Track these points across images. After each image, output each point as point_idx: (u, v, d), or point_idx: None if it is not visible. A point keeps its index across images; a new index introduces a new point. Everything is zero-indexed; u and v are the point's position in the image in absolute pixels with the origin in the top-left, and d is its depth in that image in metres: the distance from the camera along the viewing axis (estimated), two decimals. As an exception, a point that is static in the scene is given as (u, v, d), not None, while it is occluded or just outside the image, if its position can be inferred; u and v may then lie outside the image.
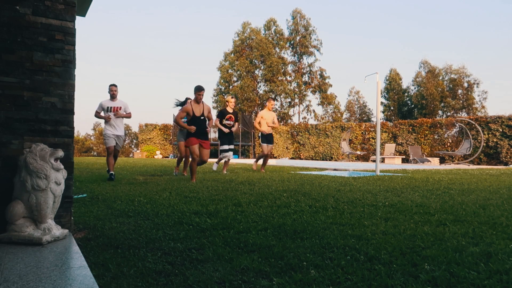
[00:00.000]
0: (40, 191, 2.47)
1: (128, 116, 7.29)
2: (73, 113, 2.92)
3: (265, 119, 9.08)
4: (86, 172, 8.66)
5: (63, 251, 2.28)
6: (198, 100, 6.55)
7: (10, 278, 1.79)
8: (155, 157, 24.08)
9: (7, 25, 2.70)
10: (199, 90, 6.54)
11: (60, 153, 2.57)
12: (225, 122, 8.38)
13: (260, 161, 9.90)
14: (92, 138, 49.89)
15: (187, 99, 7.96)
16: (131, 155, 38.20)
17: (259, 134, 9.37)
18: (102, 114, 7.15)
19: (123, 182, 6.30)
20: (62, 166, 2.62)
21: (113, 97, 7.22)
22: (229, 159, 8.58)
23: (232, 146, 8.57)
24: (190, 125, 6.51)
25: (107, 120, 7.07)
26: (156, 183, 6.13)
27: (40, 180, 2.46)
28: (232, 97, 8.61)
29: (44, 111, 2.80)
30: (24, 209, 2.48)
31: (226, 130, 8.38)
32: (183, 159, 8.27)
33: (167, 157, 24.72)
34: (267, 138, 9.09)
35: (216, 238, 2.60)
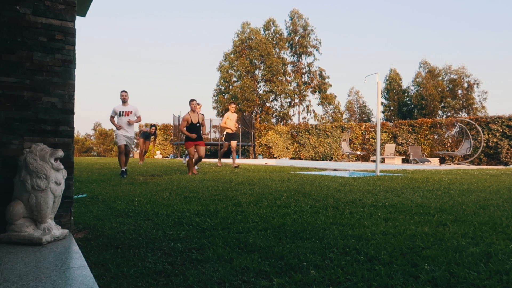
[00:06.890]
0: (40, 191, 2.47)
1: (138, 120, 8.17)
2: (73, 113, 2.92)
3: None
4: (86, 172, 8.66)
5: (63, 251, 2.28)
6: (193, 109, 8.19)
7: (10, 278, 1.79)
8: (155, 157, 24.07)
9: (7, 25, 2.70)
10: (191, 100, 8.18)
11: (60, 153, 2.57)
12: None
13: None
14: (92, 138, 49.85)
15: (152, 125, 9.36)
16: (131, 155, 38.15)
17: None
18: (115, 119, 7.97)
19: (123, 182, 6.30)
20: (62, 166, 2.62)
21: (124, 101, 8.03)
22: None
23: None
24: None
25: (118, 128, 7.91)
26: (156, 183, 6.13)
27: (40, 180, 2.46)
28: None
29: (44, 111, 2.80)
30: (24, 209, 2.48)
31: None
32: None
33: (167, 157, 24.71)
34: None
35: (216, 238, 2.60)
